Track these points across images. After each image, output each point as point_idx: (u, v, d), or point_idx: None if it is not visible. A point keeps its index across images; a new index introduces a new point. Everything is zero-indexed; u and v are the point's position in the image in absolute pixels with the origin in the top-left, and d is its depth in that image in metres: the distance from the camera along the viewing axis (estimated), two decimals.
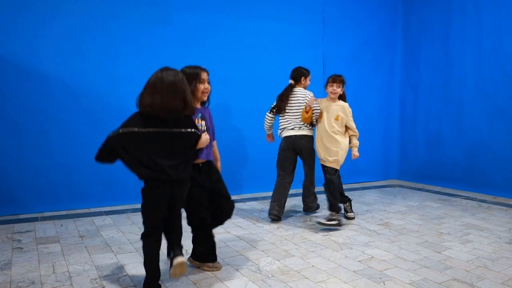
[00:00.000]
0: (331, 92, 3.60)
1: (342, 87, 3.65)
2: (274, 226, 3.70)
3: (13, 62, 3.96)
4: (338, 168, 3.60)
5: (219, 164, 2.75)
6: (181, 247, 2.37)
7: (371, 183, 6.11)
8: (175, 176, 2.16)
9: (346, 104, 3.66)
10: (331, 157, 3.55)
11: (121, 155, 2.14)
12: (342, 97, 3.73)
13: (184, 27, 4.70)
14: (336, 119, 3.57)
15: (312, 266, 2.70)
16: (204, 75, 2.51)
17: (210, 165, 2.59)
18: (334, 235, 3.40)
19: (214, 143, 2.72)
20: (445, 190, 5.50)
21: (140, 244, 3.12)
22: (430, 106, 5.93)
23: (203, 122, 2.51)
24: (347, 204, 4.00)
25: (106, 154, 2.19)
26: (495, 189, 5.05)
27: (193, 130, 2.25)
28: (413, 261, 2.78)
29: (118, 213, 4.14)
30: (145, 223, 2.27)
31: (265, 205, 4.54)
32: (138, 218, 3.92)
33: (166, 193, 2.19)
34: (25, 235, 3.35)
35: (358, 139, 3.68)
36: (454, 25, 5.53)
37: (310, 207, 4.10)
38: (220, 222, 2.69)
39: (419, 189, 5.60)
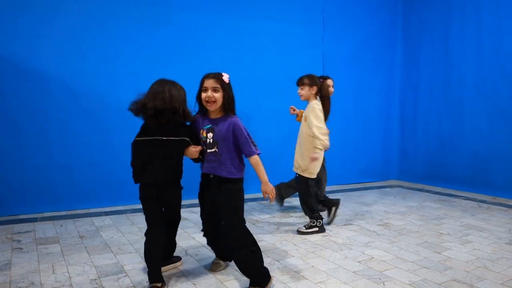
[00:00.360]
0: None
1: (308, 87, 3.36)
2: (273, 226, 3.70)
3: (13, 62, 3.96)
4: (304, 175, 3.41)
5: (264, 188, 2.33)
6: (167, 261, 2.59)
7: (371, 183, 6.11)
8: (158, 179, 2.30)
9: (312, 102, 3.37)
10: (296, 163, 3.47)
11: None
12: (323, 98, 3.46)
13: (184, 27, 4.69)
14: (305, 120, 3.39)
15: (312, 266, 2.70)
16: (207, 83, 2.28)
17: (220, 181, 2.32)
18: (334, 236, 3.40)
19: (252, 159, 2.32)
20: (445, 190, 5.50)
21: (140, 244, 3.14)
22: (430, 106, 5.93)
23: (210, 135, 2.32)
24: (327, 207, 3.82)
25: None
26: (495, 189, 5.05)
27: (182, 138, 2.33)
28: (412, 262, 2.79)
29: (118, 213, 4.14)
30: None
31: (265, 206, 4.53)
32: (138, 218, 3.94)
33: (151, 195, 2.33)
34: (24, 236, 3.35)
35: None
36: (454, 25, 5.53)
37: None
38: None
39: (419, 190, 5.60)
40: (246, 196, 4.73)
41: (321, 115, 3.33)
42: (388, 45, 6.25)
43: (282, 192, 4.12)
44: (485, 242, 3.22)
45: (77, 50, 4.20)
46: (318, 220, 3.46)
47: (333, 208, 3.77)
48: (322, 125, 3.31)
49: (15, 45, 3.95)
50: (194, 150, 2.32)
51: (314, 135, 3.27)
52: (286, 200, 4.34)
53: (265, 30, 5.20)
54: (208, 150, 2.33)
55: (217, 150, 2.31)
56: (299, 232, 3.46)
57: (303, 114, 3.44)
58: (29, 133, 4.04)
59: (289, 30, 5.36)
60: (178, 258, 2.73)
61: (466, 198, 4.97)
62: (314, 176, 3.45)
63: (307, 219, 3.91)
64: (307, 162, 3.38)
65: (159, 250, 2.33)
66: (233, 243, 2.30)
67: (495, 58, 5.04)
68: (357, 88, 5.96)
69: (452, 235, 3.43)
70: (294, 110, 3.86)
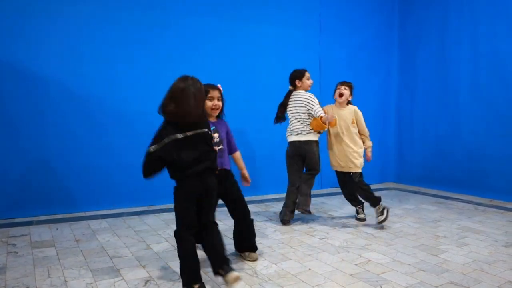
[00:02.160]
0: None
1: (349, 91, 3.86)
2: (270, 229, 3.69)
3: (12, 64, 3.94)
4: (359, 171, 3.77)
5: (244, 172, 3.01)
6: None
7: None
8: (199, 169, 2.24)
9: (353, 107, 3.90)
10: (350, 163, 3.75)
11: (170, 161, 2.21)
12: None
13: (182, 31, 4.70)
14: (353, 122, 3.78)
15: (309, 269, 2.69)
16: (213, 93, 2.72)
17: (225, 173, 2.82)
18: (331, 239, 3.39)
19: (237, 154, 3.00)
20: (441, 193, 5.52)
21: (136, 247, 3.12)
22: (426, 109, 5.95)
23: (216, 135, 2.76)
24: (359, 206, 3.99)
25: (153, 168, 2.23)
26: (491, 192, 5.07)
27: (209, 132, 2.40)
28: (409, 264, 2.79)
29: (114, 216, 4.11)
30: (177, 222, 2.30)
31: (262, 208, 4.53)
32: (134, 222, 3.92)
33: (197, 186, 2.26)
34: (20, 239, 3.32)
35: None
36: (450, 28, 5.57)
37: (299, 207, 3.77)
38: (242, 221, 2.91)
39: (416, 192, 5.62)
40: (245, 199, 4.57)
41: None
42: (384, 48, 6.28)
43: (307, 209, 3.73)
44: (482, 245, 3.22)
45: (76, 53, 4.19)
46: (381, 203, 3.73)
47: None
48: None
49: (15, 48, 3.94)
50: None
51: (366, 136, 3.89)
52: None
53: (262, 33, 5.22)
54: (216, 148, 2.65)
55: (222, 147, 2.79)
56: (381, 222, 3.66)
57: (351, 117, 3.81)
58: (26, 136, 4.02)
59: (285, 34, 5.38)
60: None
61: (463, 201, 4.99)
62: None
63: (304, 221, 3.91)
64: (361, 158, 3.76)
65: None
66: (247, 215, 2.90)
67: (490, 61, 5.08)
68: (353, 91, 5.96)
69: (449, 237, 3.43)
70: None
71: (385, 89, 6.35)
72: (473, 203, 4.86)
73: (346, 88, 3.74)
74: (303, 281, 2.49)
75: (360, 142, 3.79)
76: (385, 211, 3.68)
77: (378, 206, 3.71)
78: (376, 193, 3.95)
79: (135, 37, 4.46)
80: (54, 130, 4.13)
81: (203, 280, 2.38)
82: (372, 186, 6.06)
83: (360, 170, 3.75)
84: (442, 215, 4.24)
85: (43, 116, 4.08)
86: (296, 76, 3.87)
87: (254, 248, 2.91)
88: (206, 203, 2.33)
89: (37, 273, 2.59)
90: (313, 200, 4.39)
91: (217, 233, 2.38)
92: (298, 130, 3.74)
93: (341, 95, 3.73)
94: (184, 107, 2.15)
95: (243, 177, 3.02)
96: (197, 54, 4.78)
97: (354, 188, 3.83)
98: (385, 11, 6.27)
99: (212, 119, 2.79)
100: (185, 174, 2.23)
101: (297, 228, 3.72)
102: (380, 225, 3.72)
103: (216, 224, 2.43)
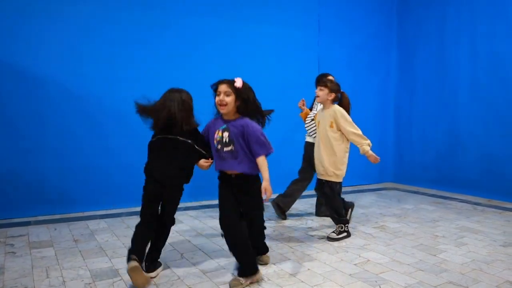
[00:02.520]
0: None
1: (328, 91, 3.25)
2: (270, 229, 3.69)
3: (11, 65, 3.93)
4: (332, 180, 3.28)
5: (264, 184, 2.39)
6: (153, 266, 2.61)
7: (367, 186, 6.13)
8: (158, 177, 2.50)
9: (334, 107, 3.26)
10: (322, 169, 3.31)
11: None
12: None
13: (181, 31, 4.70)
14: (331, 125, 3.22)
15: (308, 269, 2.69)
16: (220, 87, 2.43)
17: (244, 179, 2.49)
18: None
19: (259, 159, 2.43)
20: (440, 193, 5.53)
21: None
22: (425, 109, 5.96)
23: (226, 134, 2.45)
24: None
25: None
26: (490, 192, 5.08)
27: (189, 141, 2.50)
28: (408, 264, 2.79)
29: (113, 216, 4.11)
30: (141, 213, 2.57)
31: None
32: (133, 221, 3.90)
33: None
34: (18, 239, 3.32)
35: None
36: (449, 28, 5.58)
37: (321, 211, 4.16)
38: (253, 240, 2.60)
39: (415, 192, 5.62)
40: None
41: (350, 119, 3.23)
42: (383, 48, 6.29)
43: (281, 204, 3.98)
44: (480, 245, 3.23)
45: (76, 53, 4.19)
46: (346, 225, 3.40)
47: (349, 210, 3.81)
48: (357, 128, 3.21)
49: (14, 48, 3.93)
50: (205, 165, 2.57)
51: (355, 140, 3.18)
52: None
53: (262, 33, 5.22)
54: (225, 149, 2.47)
55: (233, 148, 2.46)
56: (330, 239, 3.31)
57: (330, 120, 3.23)
58: (24, 136, 4.01)
59: (284, 34, 5.38)
60: (160, 264, 2.67)
61: (461, 201, 4.99)
62: (341, 180, 3.32)
63: (303, 221, 3.91)
64: (339, 168, 3.26)
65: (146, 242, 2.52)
66: (261, 232, 2.80)
67: (490, 61, 5.08)
68: (352, 91, 5.93)
69: (448, 237, 3.44)
70: (303, 104, 3.88)
71: (384, 89, 6.36)
72: (471, 203, 4.87)
73: (322, 88, 3.23)
74: (302, 281, 2.49)
75: (340, 149, 3.23)
76: (343, 234, 3.34)
77: (340, 226, 3.36)
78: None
79: (135, 37, 4.46)
80: (54, 130, 4.13)
81: (203, 280, 2.37)
82: (371, 186, 6.12)
83: (334, 180, 3.26)
84: (440, 215, 4.24)
85: (43, 116, 4.08)
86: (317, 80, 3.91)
87: (260, 251, 2.79)
88: (167, 204, 2.59)
89: (35, 274, 2.59)
90: (312, 200, 4.40)
91: (161, 233, 2.63)
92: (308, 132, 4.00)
93: (318, 97, 3.29)
94: (156, 105, 2.42)
95: (262, 187, 2.42)
96: (197, 54, 4.78)
97: (324, 198, 3.44)
98: (384, 11, 6.28)
99: (228, 117, 2.47)
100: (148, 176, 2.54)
101: (296, 228, 3.72)
102: (329, 240, 3.33)
103: (171, 224, 2.65)
